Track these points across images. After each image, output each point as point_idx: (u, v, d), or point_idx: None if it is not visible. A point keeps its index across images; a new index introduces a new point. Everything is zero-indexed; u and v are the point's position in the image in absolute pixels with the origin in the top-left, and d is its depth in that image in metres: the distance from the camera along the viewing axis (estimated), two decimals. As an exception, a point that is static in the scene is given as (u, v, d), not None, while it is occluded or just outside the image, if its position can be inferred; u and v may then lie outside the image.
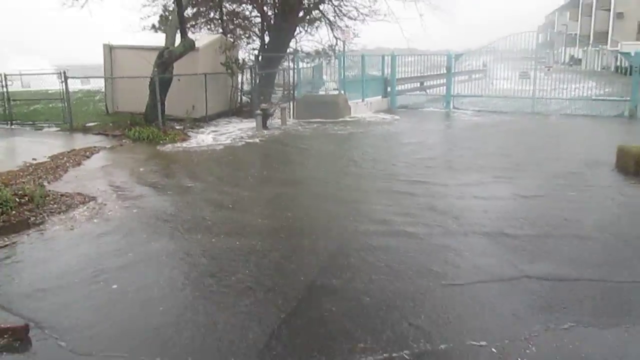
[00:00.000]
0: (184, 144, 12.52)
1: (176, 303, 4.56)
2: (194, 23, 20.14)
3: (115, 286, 4.88)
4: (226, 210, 7.29)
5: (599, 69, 43.29)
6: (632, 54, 18.01)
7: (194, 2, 19.56)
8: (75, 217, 6.93)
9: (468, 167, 9.95)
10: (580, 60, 52.75)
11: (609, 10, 48.98)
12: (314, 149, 12.16)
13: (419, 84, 22.45)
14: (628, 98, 17.25)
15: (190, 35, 15.47)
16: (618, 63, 34.37)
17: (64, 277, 5.11)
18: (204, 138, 13.43)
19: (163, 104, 14.17)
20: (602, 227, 6.37)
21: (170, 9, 17.93)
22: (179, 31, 14.65)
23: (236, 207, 7.46)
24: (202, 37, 17.67)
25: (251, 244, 5.87)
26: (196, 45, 15.10)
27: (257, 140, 13.12)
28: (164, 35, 15.78)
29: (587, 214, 6.96)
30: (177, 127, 14.31)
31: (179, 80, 14.81)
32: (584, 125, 15.75)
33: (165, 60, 14.18)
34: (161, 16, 19.33)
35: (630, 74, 17.39)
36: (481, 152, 11.47)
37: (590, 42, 51.68)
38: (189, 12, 19.63)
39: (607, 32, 48.86)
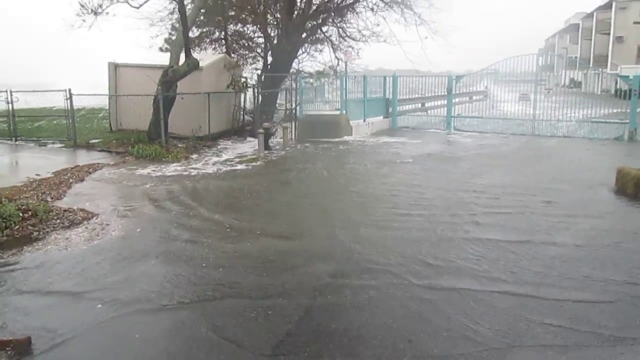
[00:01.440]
0: (185, 167, 12.30)
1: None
2: (198, 42, 20.44)
3: (100, 306, 4.92)
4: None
5: (599, 92, 43.63)
6: (631, 78, 18.21)
7: (199, 23, 19.86)
8: (78, 234, 6.99)
9: (480, 190, 10.01)
10: (580, 82, 53.18)
11: (609, 34, 49.49)
12: (316, 178, 11.41)
13: (420, 105, 22.67)
14: (627, 121, 17.39)
15: (194, 54, 15.69)
16: (618, 86, 34.62)
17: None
18: (205, 158, 13.45)
19: (166, 122, 14.32)
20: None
21: (177, 26, 18.19)
22: (183, 50, 14.88)
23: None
24: (206, 56, 17.90)
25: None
26: (200, 65, 15.30)
27: (259, 163, 12.96)
28: (167, 54, 16.01)
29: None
30: (180, 145, 14.43)
31: (182, 98, 14.98)
32: (584, 147, 15.84)
33: (170, 79, 14.36)
34: (166, 39, 19.68)
35: (629, 98, 17.55)
36: (486, 174, 11.52)
37: (590, 65, 52.19)
38: (194, 31, 19.95)
39: (607, 56, 49.33)
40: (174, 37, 18.05)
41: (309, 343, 4.18)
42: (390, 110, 20.71)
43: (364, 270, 5.70)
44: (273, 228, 7.29)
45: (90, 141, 15.06)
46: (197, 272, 5.65)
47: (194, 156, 13.59)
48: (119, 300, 4.96)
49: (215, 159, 13.43)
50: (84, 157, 13.14)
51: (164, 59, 16.25)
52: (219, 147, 15.35)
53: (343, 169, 12.41)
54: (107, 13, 14.56)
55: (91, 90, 16.48)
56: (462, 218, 7.74)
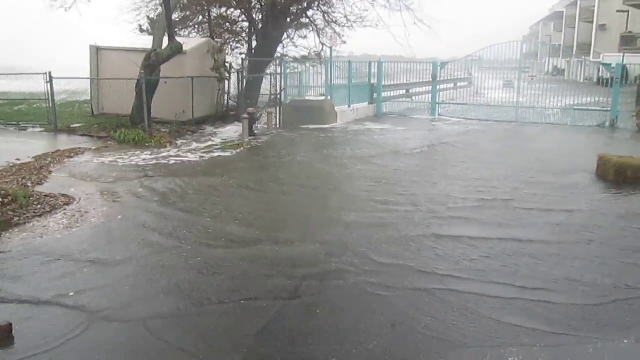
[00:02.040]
0: (168, 152, 12.06)
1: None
2: (181, 26, 20.17)
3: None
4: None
5: (582, 80, 44.04)
6: (613, 66, 18.39)
7: (181, 6, 19.57)
8: (57, 220, 6.90)
9: (464, 176, 10.08)
10: (563, 70, 53.59)
11: (592, 22, 49.81)
12: (299, 166, 11.16)
13: (405, 91, 22.67)
14: (608, 108, 17.59)
15: (178, 38, 15.50)
16: (600, 74, 34.95)
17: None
18: (188, 143, 13.29)
19: (149, 107, 14.15)
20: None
21: (159, 11, 17.92)
22: (167, 34, 14.67)
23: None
24: (190, 40, 17.68)
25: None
26: (184, 49, 15.11)
27: (242, 149, 12.73)
28: (151, 37, 15.78)
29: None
30: (163, 130, 14.28)
31: (165, 83, 14.80)
32: (566, 135, 16.01)
33: (153, 62, 14.17)
34: (148, 17, 19.36)
35: (612, 86, 17.74)
36: (473, 160, 11.61)
37: (574, 53, 52.57)
38: (178, 15, 19.67)
39: (590, 44, 49.68)
40: (156, 18, 17.78)
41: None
42: (375, 96, 20.68)
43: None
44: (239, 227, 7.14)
45: (72, 125, 14.83)
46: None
47: (178, 142, 13.45)
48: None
49: (198, 145, 13.24)
50: (65, 142, 12.94)
51: (147, 42, 16.02)
52: (203, 132, 15.22)
53: (326, 158, 12.06)
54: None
55: (74, 74, 16.21)
56: (438, 212, 7.55)
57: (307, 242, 6.24)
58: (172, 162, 11.06)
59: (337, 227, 6.77)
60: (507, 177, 9.73)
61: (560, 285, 5.03)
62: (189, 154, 11.93)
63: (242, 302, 4.65)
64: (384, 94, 21.00)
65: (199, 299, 4.68)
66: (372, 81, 20.66)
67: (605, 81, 23.14)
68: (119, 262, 5.52)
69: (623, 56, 29.94)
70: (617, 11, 43.88)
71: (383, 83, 20.75)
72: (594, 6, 49.58)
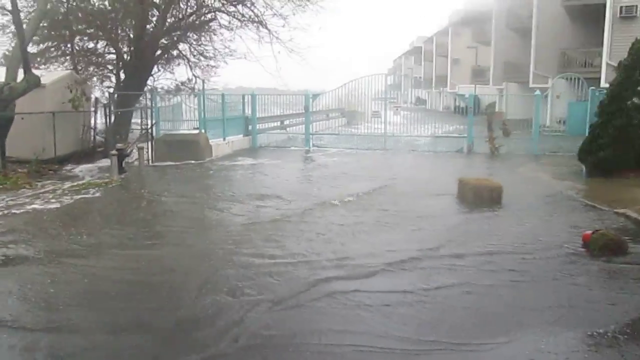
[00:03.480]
0: (23, 196, 10.89)
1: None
2: (41, 58, 18.92)
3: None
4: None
5: (442, 109, 47.91)
6: (467, 96, 20.31)
7: (42, 36, 18.38)
8: None
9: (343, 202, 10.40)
10: (425, 100, 57.95)
11: (447, 56, 54.59)
12: (169, 210, 10.18)
13: (279, 123, 23.07)
14: (465, 135, 19.29)
15: (36, 71, 14.49)
16: (457, 103, 38.25)
17: None
18: (49, 184, 12.15)
19: (3, 145, 13.02)
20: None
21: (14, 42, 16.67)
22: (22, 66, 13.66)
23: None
24: (50, 73, 16.62)
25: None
26: (43, 82, 14.16)
27: (109, 187, 11.88)
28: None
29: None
30: (20, 171, 13.13)
31: (22, 119, 13.71)
32: (430, 160, 17.28)
33: (6, 97, 13.08)
34: (5, 53, 17.95)
35: (467, 114, 19.55)
36: (344, 185, 12.09)
37: (433, 84, 57.17)
38: (37, 47, 18.46)
39: (447, 76, 54.33)
40: (10, 50, 16.53)
41: None
42: (250, 128, 20.79)
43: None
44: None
45: None
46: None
47: (39, 183, 12.35)
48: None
49: (60, 185, 12.11)
50: None
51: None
52: (66, 171, 14.24)
53: (195, 199, 11.17)
54: None
55: None
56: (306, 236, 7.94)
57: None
58: (29, 207, 9.95)
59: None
60: (374, 200, 10.39)
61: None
62: (48, 195, 10.93)
63: None
64: (259, 126, 21.19)
65: None
66: (247, 113, 20.78)
67: (461, 109, 25.45)
68: None
69: (475, 87, 33.26)
70: (468, 47, 48.71)
71: (258, 115, 20.96)
72: (448, 42, 54.45)
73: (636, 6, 22.86)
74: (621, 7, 23.00)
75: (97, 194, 11.34)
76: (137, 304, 5.46)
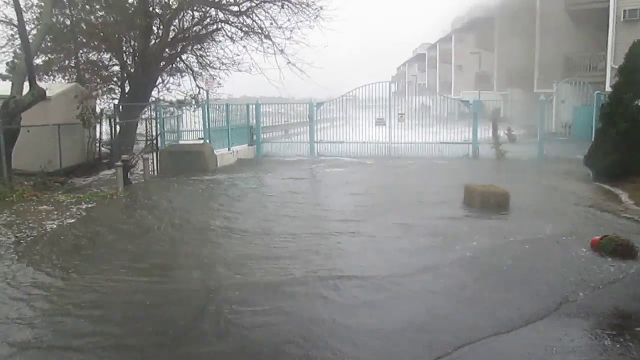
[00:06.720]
0: (29, 207, 10.95)
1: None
2: (46, 70, 19.01)
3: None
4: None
5: (446, 115, 47.74)
6: (471, 102, 20.28)
7: (47, 49, 18.51)
8: None
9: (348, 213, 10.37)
10: (429, 107, 57.83)
11: (451, 63, 54.56)
12: (171, 223, 9.77)
13: (284, 132, 23.09)
14: (471, 141, 19.25)
15: (41, 83, 14.58)
16: (461, 109, 38.13)
17: None
18: (55, 197, 12.16)
19: (10, 158, 13.06)
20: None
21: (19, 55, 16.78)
22: (27, 79, 13.74)
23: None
24: (55, 85, 16.73)
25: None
26: (48, 95, 14.25)
27: (115, 199, 11.92)
28: (9, 83, 14.71)
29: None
30: (27, 183, 13.18)
31: (28, 131, 13.80)
32: (436, 167, 17.23)
33: (12, 110, 13.15)
34: (8, 64, 18.05)
35: (471, 119, 19.51)
36: (351, 199, 12.02)
37: (437, 91, 57.08)
38: (41, 57, 18.56)
39: (451, 82, 54.26)
40: (15, 63, 16.61)
41: None
42: (254, 137, 20.83)
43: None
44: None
45: None
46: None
47: (45, 195, 12.37)
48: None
49: (65, 197, 12.06)
50: None
51: (5, 88, 14.86)
52: (72, 183, 14.28)
53: (202, 211, 10.83)
54: None
55: None
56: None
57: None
58: (33, 220, 9.87)
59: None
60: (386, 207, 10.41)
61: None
62: (54, 208, 10.92)
63: None
64: (263, 135, 21.22)
65: None
66: (251, 123, 20.82)
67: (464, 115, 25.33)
68: None
69: (479, 93, 33.16)
70: (471, 53, 48.63)
71: (262, 124, 21.00)
72: (451, 49, 54.43)
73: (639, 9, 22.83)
74: (624, 11, 22.97)
75: (105, 203, 11.46)
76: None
